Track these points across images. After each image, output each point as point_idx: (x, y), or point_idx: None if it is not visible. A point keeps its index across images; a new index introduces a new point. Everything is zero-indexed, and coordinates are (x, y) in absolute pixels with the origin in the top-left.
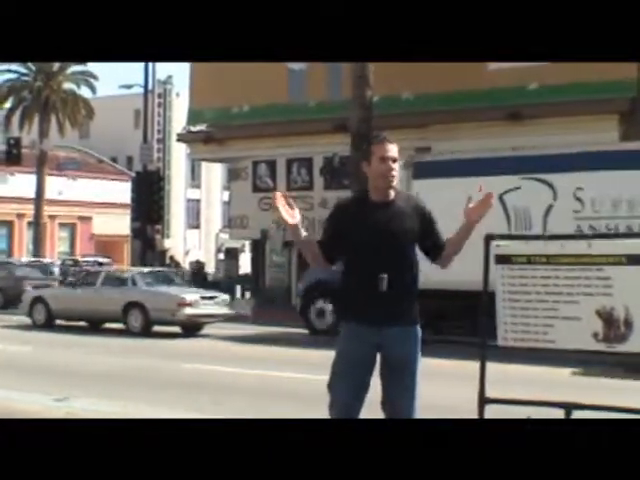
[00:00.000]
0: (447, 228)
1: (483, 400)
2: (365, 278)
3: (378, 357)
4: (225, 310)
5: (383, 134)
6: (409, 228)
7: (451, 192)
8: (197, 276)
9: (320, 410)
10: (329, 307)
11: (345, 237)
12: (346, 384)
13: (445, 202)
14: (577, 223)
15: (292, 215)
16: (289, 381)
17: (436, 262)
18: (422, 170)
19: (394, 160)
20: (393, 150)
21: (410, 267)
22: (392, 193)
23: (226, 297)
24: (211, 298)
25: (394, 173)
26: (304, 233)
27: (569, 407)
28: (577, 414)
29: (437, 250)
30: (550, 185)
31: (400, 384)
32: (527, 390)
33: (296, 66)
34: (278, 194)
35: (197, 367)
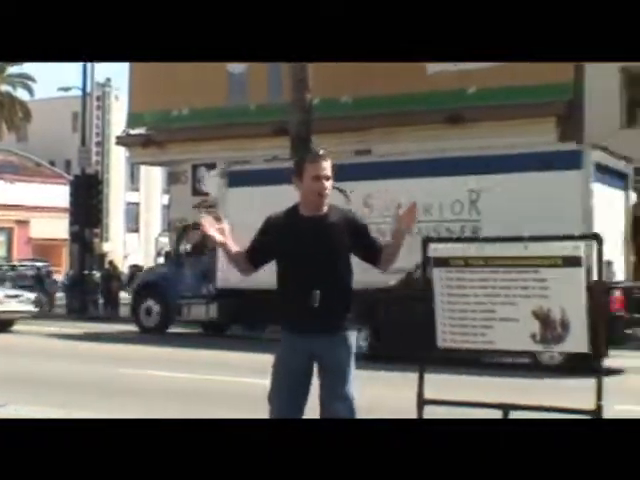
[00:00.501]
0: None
1: (422, 401)
2: (297, 291)
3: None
4: (30, 307)
5: (317, 151)
6: (340, 241)
7: (262, 199)
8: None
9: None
10: (156, 307)
11: (275, 250)
12: (284, 395)
13: (257, 209)
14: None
15: (222, 233)
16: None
17: (377, 267)
18: (235, 179)
19: (327, 178)
20: (327, 168)
21: (342, 279)
22: (324, 208)
23: (31, 296)
24: (16, 296)
25: (327, 192)
26: (233, 248)
27: (506, 408)
28: (514, 415)
29: (374, 255)
30: (344, 193)
31: (334, 389)
32: (467, 392)
33: (236, 69)
34: (205, 221)
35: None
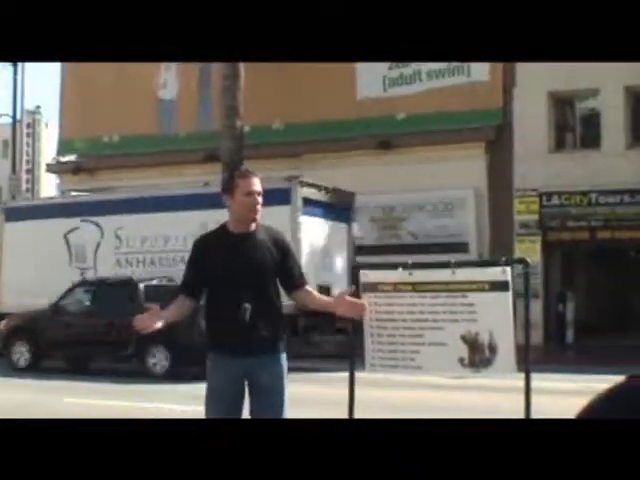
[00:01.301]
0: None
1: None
2: (227, 309)
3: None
4: None
5: (247, 168)
6: (269, 259)
7: (34, 233)
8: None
9: None
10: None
11: (206, 271)
12: (222, 415)
13: (30, 241)
14: (117, 257)
15: (158, 320)
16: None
17: (290, 296)
18: (11, 214)
19: (259, 193)
20: (258, 184)
21: (272, 297)
22: (253, 225)
23: None
24: None
25: (259, 207)
26: (165, 317)
27: None
28: None
29: (290, 284)
30: (98, 225)
31: (267, 411)
32: (398, 415)
33: (166, 95)
34: (139, 322)
35: None
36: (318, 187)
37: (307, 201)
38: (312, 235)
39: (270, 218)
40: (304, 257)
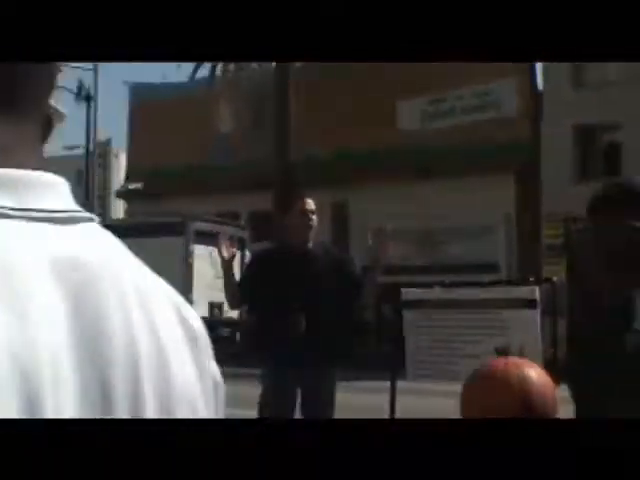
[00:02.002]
0: None
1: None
2: (283, 323)
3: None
4: None
5: (302, 189)
6: (325, 276)
7: None
8: None
9: None
10: None
11: (263, 285)
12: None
13: None
14: None
15: (229, 252)
16: None
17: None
18: None
19: (312, 212)
20: (311, 204)
21: (330, 313)
22: (309, 244)
23: None
24: None
25: (312, 224)
26: (233, 275)
27: None
28: None
29: (353, 297)
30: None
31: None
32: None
33: (222, 129)
34: (223, 241)
35: None
36: (211, 220)
37: (199, 233)
38: (203, 261)
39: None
40: (195, 279)
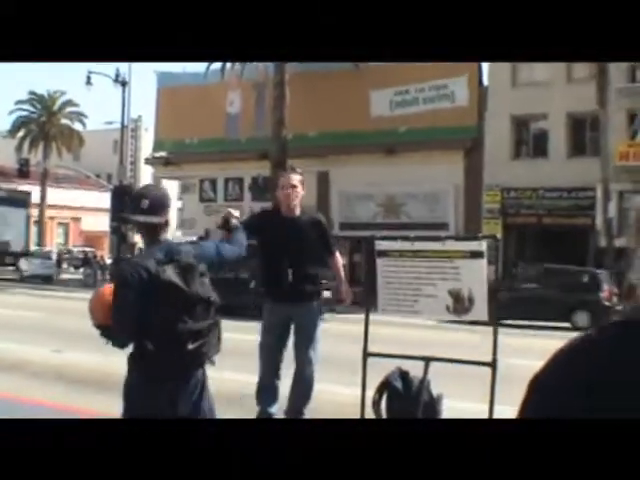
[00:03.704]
0: None
1: (366, 354)
2: (276, 270)
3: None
4: None
5: (289, 169)
6: (308, 236)
7: None
8: None
9: None
10: None
11: (261, 235)
12: (269, 351)
13: None
14: None
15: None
16: None
17: (327, 260)
18: None
19: (294, 187)
20: (294, 179)
21: (310, 262)
22: (297, 210)
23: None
24: None
25: (292, 197)
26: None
27: (427, 359)
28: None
29: (324, 251)
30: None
31: (304, 343)
32: (400, 347)
33: (232, 110)
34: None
35: None
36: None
37: None
38: None
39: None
40: None
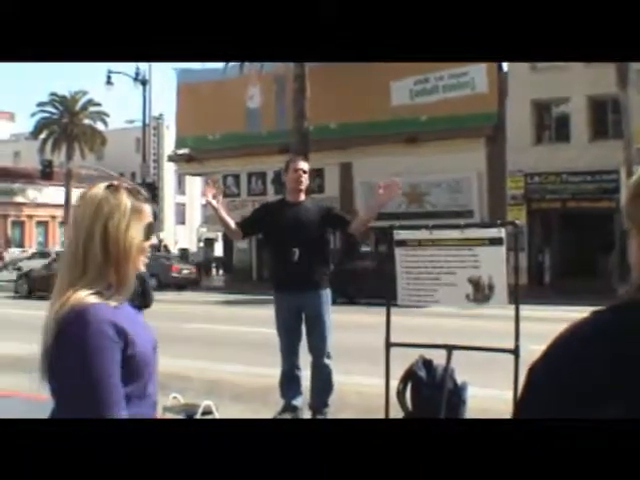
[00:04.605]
0: None
1: (388, 344)
2: (283, 257)
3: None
4: None
5: (298, 156)
6: (313, 222)
7: None
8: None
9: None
10: None
11: (265, 226)
12: (284, 342)
13: None
14: None
15: (215, 199)
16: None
17: (351, 231)
18: None
19: (304, 171)
20: (303, 164)
21: (317, 249)
22: (302, 196)
23: None
24: None
25: (302, 180)
26: (224, 214)
27: (450, 348)
28: (456, 353)
29: (344, 227)
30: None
31: (315, 333)
32: (422, 336)
33: (252, 105)
34: (208, 187)
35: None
36: None
37: None
38: None
39: None
40: None
